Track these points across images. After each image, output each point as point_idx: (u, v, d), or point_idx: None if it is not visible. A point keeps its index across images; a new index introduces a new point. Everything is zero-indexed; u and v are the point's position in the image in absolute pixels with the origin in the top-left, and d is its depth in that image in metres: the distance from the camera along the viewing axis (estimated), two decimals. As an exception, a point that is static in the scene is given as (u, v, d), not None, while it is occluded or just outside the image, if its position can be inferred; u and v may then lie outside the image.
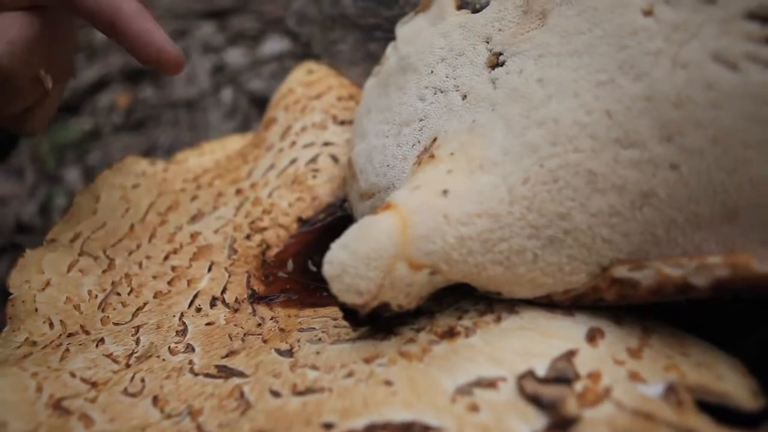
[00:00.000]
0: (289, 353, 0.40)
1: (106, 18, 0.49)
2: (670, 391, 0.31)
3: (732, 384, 0.32)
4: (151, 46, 0.49)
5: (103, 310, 0.51)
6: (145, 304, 0.51)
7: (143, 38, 0.49)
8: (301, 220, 0.58)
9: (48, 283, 0.52)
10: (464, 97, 0.43)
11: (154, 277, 0.54)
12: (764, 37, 0.32)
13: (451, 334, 0.37)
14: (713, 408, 0.32)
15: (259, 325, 0.46)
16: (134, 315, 0.50)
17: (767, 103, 0.32)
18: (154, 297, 0.51)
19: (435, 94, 0.46)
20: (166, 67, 0.50)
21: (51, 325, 0.49)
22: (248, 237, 0.57)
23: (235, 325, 0.46)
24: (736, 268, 0.31)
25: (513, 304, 0.38)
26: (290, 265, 0.54)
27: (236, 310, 0.48)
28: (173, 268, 0.54)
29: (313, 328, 0.43)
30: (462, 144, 0.39)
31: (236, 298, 0.49)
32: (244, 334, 0.45)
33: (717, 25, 0.34)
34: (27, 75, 0.50)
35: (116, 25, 0.49)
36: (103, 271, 0.55)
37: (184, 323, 0.47)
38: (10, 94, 0.51)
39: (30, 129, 0.56)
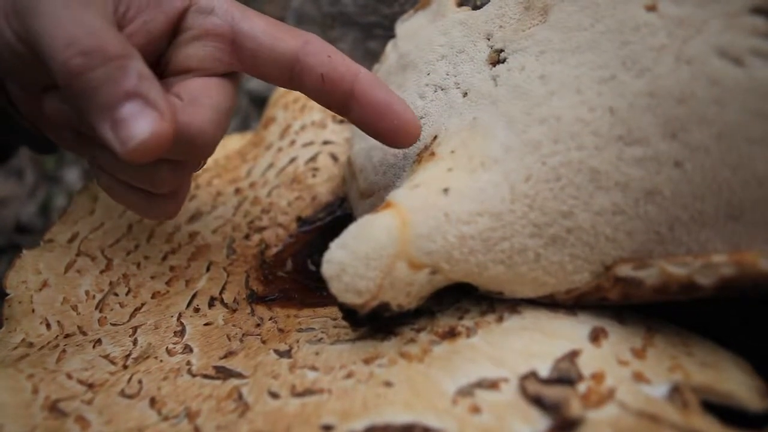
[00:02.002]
0: (288, 354, 0.40)
1: (347, 83, 0.43)
2: (675, 391, 0.31)
3: (737, 384, 0.31)
4: (394, 116, 0.43)
5: (100, 311, 0.50)
6: (143, 304, 0.50)
7: (386, 107, 0.43)
8: (300, 220, 0.58)
9: (45, 284, 0.52)
10: (465, 94, 0.42)
11: (152, 278, 0.53)
12: (770, 32, 0.32)
13: (452, 334, 0.36)
14: (719, 408, 0.31)
15: (258, 325, 0.45)
16: (132, 315, 0.49)
17: (773, 98, 0.31)
18: (152, 297, 0.51)
19: (435, 91, 0.45)
20: (406, 139, 0.43)
21: (48, 326, 0.49)
22: (247, 236, 0.57)
23: (234, 326, 0.46)
24: (742, 267, 0.31)
25: (515, 304, 0.38)
26: (289, 264, 0.54)
27: (235, 311, 0.48)
28: (171, 268, 0.54)
29: (313, 329, 0.42)
30: (463, 141, 0.38)
31: (235, 298, 0.49)
32: (243, 335, 0.44)
33: (721, 20, 0.33)
34: (214, 147, 0.46)
35: (356, 91, 0.43)
36: (101, 272, 0.54)
37: (182, 324, 0.47)
38: (190, 166, 0.47)
39: (171, 212, 0.49)
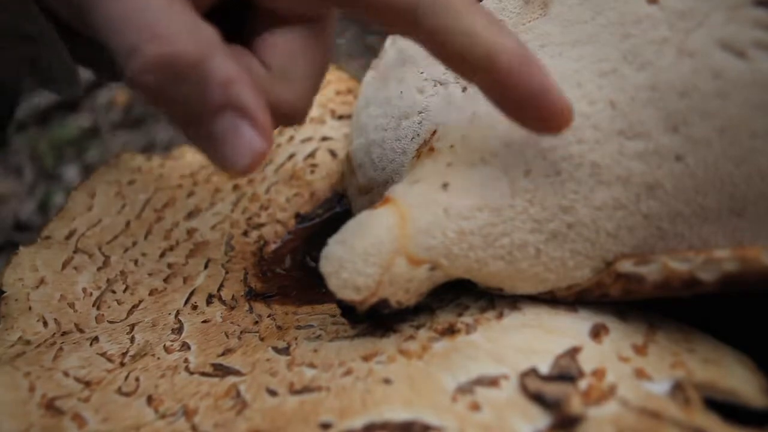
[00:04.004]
0: (287, 351, 0.39)
1: (486, 55, 0.32)
2: (677, 388, 0.30)
3: (740, 381, 0.31)
4: (548, 112, 0.33)
5: (98, 308, 0.50)
6: (140, 301, 0.50)
7: (538, 99, 0.32)
8: (299, 216, 0.58)
9: (42, 281, 0.52)
10: (464, 89, 0.42)
11: (150, 275, 0.53)
12: (773, 24, 0.31)
13: (451, 331, 0.36)
14: (721, 406, 0.31)
15: (256, 322, 0.45)
16: (129, 313, 0.49)
17: (776, 91, 0.31)
18: (150, 294, 0.51)
19: (435, 86, 0.45)
20: (556, 128, 0.33)
21: (45, 323, 0.48)
22: (245, 233, 0.57)
23: (232, 323, 0.45)
24: (745, 262, 0.30)
25: (515, 300, 0.37)
26: (288, 261, 0.54)
27: (233, 308, 0.48)
28: (169, 266, 0.54)
29: (311, 326, 0.42)
30: (462, 136, 0.38)
31: (233, 296, 0.49)
32: (241, 332, 0.44)
33: (724, 12, 0.33)
34: (304, 119, 0.39)
35: (498, 69, 0.32)
36: (98, 269, 0.54)
37: (179, 321, 0.46)
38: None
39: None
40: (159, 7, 0.29)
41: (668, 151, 0.33)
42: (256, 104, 0.32)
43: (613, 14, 0.36)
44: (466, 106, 0.40)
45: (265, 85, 0.35)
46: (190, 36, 0.30)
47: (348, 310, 0.37)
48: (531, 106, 0.33)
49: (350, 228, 0.35)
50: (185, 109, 0.31)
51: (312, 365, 0.37)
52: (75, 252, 0.55)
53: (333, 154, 0.61)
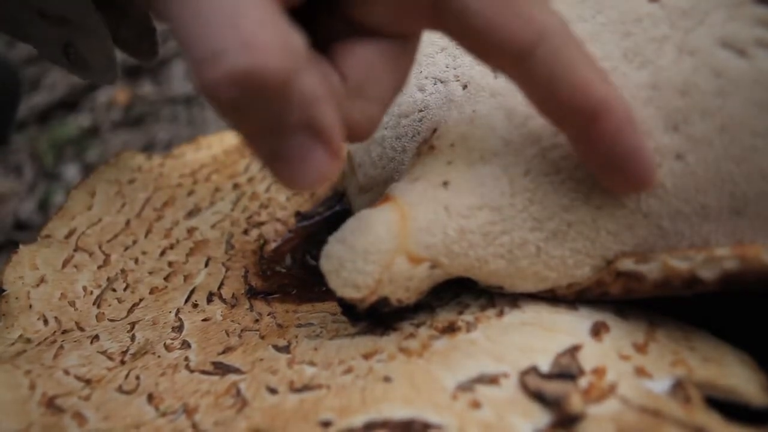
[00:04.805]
0: (287, 349, 0.39)
1: (591, 109, 0.30)
2: (678, 387, 0.30)
3: (741, 379, 0.31)
4: (635, 174, 0.31)
5: (98, 307, 0.50)
6: (141, 300, 0.50)
7: (629, 161, 0.31)
8: (299, 215, 0.58)
9: (42, 279, 0.52)
10: (465, 87, 0.42)
11: (150, 273, 0.53)
12: (774, 22, 0.31)
13: (451, 329, 0.36)
14: (722, 404, 0.31)
15: (257, 320, 0.45)
16: (130, 311, 0.49)
17: (777, 89, 0.31)
18: (150, 293, 0.51)
19: (435, 84, 0.45)
20: (634, 190, 0.33)
21: (45, 321, 0.48)
22: (246, 232, 0.57)
23: (232, 321, 0.45)
24: (745, 260, 0.30)
25: (515, 299, 0.37)
26: (288, 259, 0.54)
27: (233, 306, 0.48)
28: (170, 264, 0.54)
29: (312, 324, 0.42)
30: (462, 135, 0.38)
31: (233, 294, 0.49)
32: (241, 330, 0.44)
33: (725, 10, 0.33)
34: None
35: (598, 125, 0.31)
36: (99, 267, 0.54)
37: (180, 319, 0.46)
38: None
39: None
40: (252, 10, 0.25)
41: (669, 149, 0.33)
42: (333, 126, 0.30)
43: (613, 13, 0.36)
44: (466, 104, 0.40)
45: (339, 99, 0.32)
46: (281, 49, 0.26)
47: (348, 308, 0.37)
48: (621, 167, 0.32)
49: (350, 226, 0.35)
50: (259, 124, 0.29)
51: (312, 363, 0.37)
52: (75, 250, 0.55)
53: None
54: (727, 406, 0.30)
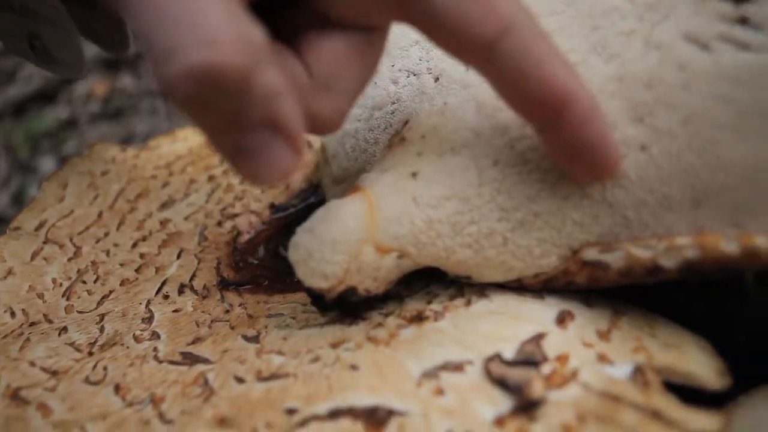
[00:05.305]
0: (256, 339, 0.39)
1: (557, 101, 0.31)
2: (638, 372, 0.31)
3: (698, 364, 0.31)
4: (600, 164, 0.32)
5: (67, 299, 0.49)
6: (111, 291, 0.49)
7: (595, 151, 0.32)
8: (273, 207, 0.57)
9: (10, 272, 0.51)
10: (437, 79, 0.42)
11: (122, 265, 0.52)
12: (737, 17, 0.32)
13: (419, 318, 0.36)
14: (682, 388, 0.32)
15: (227, 311, 0.45)
16: (99, 303, 0.48)
17: (738, 83, 0.31)
18: (121, 285, 0.50)
19: (408, 77, 0.45)
20: (597, 179, 0.33)
21: (12, 314, 0.48)
22: (219, 223, 0.56)
23: (203, 312, 0.45)
24: (705, 249, 0.31)
25: (483, 289, 0.38)
26: (261, 251, 0.53)
27: (205, 297, 0.47)
28: (141, 256, 0.53)
29: (282, 314, 0.42)
30: (433, 126, 0.38)
31: (205, 285, 0.48)
32: (212, 321, 0.44)
33: (690, 4, 0.33)
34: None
35: (564, 117, 0.31)
36: (69, 259, 0.53)
37: (150, 311, 0.46)
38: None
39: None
40: (211, 4, 0.25)
41: (634, 141, 0.33)
42: (295, 121, 0.29)
43: (583, 6, 0.37)
44: (438, 96, 0.40)
45: (304, 93, 0.32)
46: (241, 44, 0.26)
47: (317, 298, 0.37)
48: (585, 157, 0.32)
49: (319, 216, 0.35)
50: (219, 121, 0.28)
51: (280, 353, 0.37)
52: (45, 243, 0.55)
53: (309, 144, 0.61)
54: (687, 390, 0.31)
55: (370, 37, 0.34)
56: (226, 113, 0.28)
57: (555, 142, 0.33)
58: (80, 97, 1.61)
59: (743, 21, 0.32)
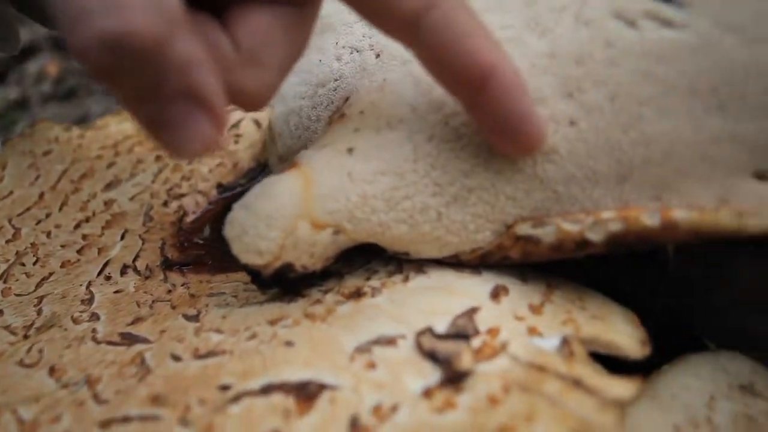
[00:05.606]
0: (196, 318, 0.39)
1: (479, 74, 0.31)
2: (564, 343, 0.32)
3: (621, 334, 0.33)
4: (524, 137, 0.33)
5: (4, 282, 0.48)
6: (51, 273, 0.48)
7: (519, 124, 0.32)
8: (221, 186, 0.57)
9: (-56, 254, 0.49)
10: (378, 55, 0.42)
11: (63, 246, 0.51)
12: (662, -6, 0.33)
13: (357, 294, 0.36)
14: (609, 358, 0.33)
15: (170, 291, 0.44)
16: (38, 285, 0.47)
17: (661, 60, 0.32)
18: (62, 266, 0.49)
19: (351, 53, 0.45)
20: (521, 152, 0.34)
21: (-54, 297, 0.46)
22: (165, 204, 0.55)
23: (145, 292, 0.44)
24: (627, 222, 0.32)
25: (422, 264, 0.38)
26: (207, 231, 0.53)
27: (147, 278, 0.47)
28: (84, 237, 0.52)
29: (223, 293, 0.42)
30: (372, 102, 0.38)
31: (147, 266, 0.48)
32: (153, 301, 0.43)
33: (618, -19, 0.34)
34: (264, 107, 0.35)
35: (487, 90, 0.31)
36: (7, 241, 0.52)
37: (90, 292, 0.45)
38: None
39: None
40: None
41: (563, 116, 0.34)
42: (214, 92, 0.29)
43: (517, -18, 0.37)
44: (378, 72, 0.40)
45: (230, 66, 0.31)
46: (153, 12, 0.25)
47: (255, 275, 0.37)
48: (511, 129, 0.32)
49: (254, 192, 0.35)
50: (135, 90, 0.28)
51: (219, 331, 0.37)
52: (-18, 224, 0.53)
53: (258, 124, 0.61)
54: (615, 360, 0.32)
55: (300, 13, 0.33)
56: (142, 83, 0.27)
57: (480, 116, 0.33)
58: (31, 76, 1.55)
59: (667, -1, 0.32)
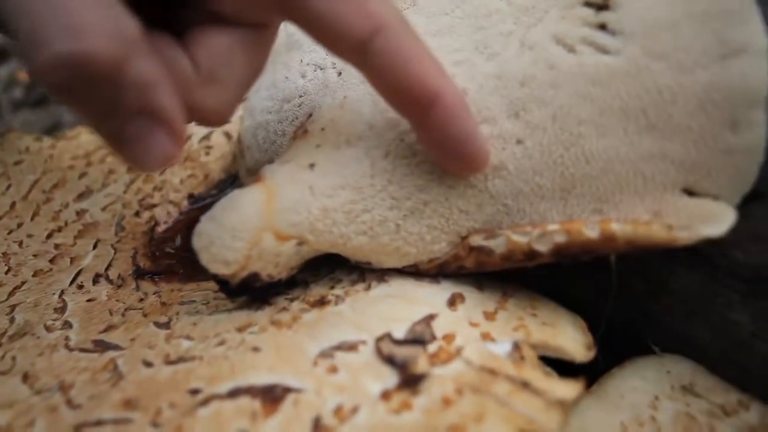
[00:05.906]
0: (167, 325, 0.40)
1: (425, 98, 0.33)
2: (515, 348, 0.34)
3: (568, 339, 0.35)
4: (468, 158, 0.35)
5: (-23, 291, 0.49)
6: (23, 283, 0.49)
7: (463, 145, 0.34)
8: (192, 197, 0.58)
9: None
10: (339, 74, 0.44)
11: (35, 256, 0.52)
12: (598, 23, 0.35)
13: (321, 302, 0.38)
14: (559, 361, 0.35)
15: (142, 299, 0.46)
16: (11, 294, 0.48)
17: (597, 83, 0.35)
18: (34, 276, 0.50)
19: (315, 71, 0.47)
20: (465, 173, 0.36)
21: None
22: (137, 214, 0.57)
23: (117, 301, 0.46)
24: (570, 234, 0.35)
25: (384, 274, 0.40)
26: (178, 240, 0.54)
27: (120, 286, 0.48)
28: (56, 246, 0.53)
29: (194, 301, 0.43)
30: (332, 119, 0.40)
31: (119, 275, 0.49)
32: (125, 309, 0.44)
33: (559, 10, 0.36)
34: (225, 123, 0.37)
35: (433, 113, 0.33)
36: (-21, 251, 0.52)
37: (63, 300, 0.46)
38: None
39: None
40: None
41: (511, 135, 0.36)
42: (171, 109, 0.30)
43: (469, 7, 0.39)
44: (340, 90, 0.42)
45: (189, 85, 0.33)
46: (109, 33, 0.26)
47: (223, 284, 0.38)
48: (455, 150, 0.34)
49: (221, 205, 0.37)
50: (94, 109, 0.29)
51: (189, 337, 0.38)
52: (-47, 235, 0.54)
53: (228, 136, 0.62)
54: (565, 364, 0.35)
55: (257, 34, 0.35)
56: (101, 101, 0.28)
57: (427, 137, 0.35)
58: (2, 82, 1.54)
59: (603, 27, 0.35)
